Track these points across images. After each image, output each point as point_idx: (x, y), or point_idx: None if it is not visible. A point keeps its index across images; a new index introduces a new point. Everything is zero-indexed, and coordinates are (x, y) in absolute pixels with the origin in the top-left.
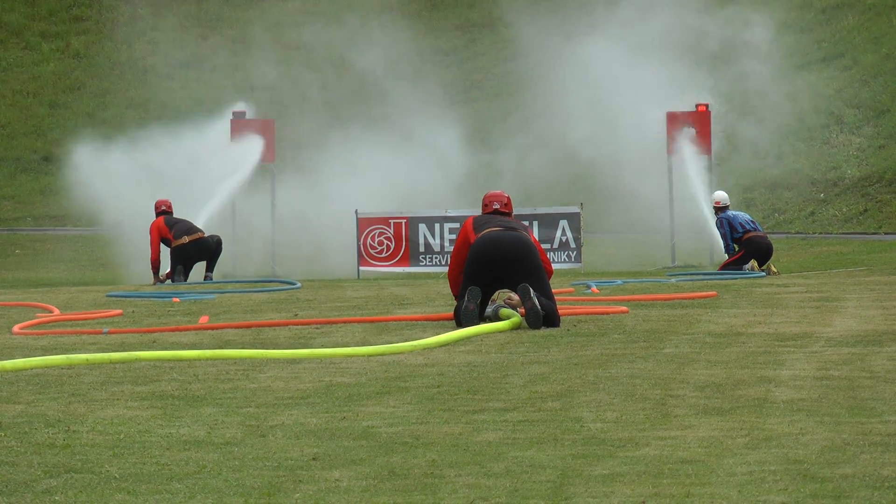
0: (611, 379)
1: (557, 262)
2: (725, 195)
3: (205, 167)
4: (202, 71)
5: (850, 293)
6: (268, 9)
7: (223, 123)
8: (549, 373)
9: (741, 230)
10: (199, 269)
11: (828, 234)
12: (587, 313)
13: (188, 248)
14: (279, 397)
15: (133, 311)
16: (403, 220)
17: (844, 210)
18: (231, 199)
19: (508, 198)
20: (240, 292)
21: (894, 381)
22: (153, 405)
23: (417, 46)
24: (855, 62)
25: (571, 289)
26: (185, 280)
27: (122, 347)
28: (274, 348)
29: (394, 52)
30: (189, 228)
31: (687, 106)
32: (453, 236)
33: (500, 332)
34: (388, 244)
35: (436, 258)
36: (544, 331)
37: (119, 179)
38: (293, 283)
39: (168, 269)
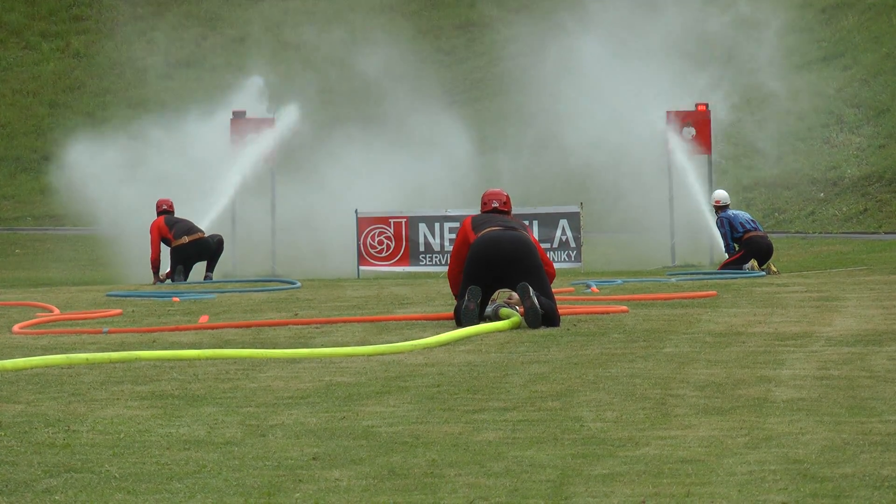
0: (611, 378)
1: (557, 262)
2: (726, 194)
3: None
4: (202, 70)
5: (850, 293)
6: (268, 9)
7: (223, 123)
8: (549, 372)
9: (741, 230)
10: (199, 268)
11: (828, 233)
12: (586, 313)
13: (188, 249)
14: (279, 397)
15: (133, 311)
16: (403, 220)
17: (844, 210)
18: (231, 199)
19: (507, 196)
20: (240, 292)
21: (894, 381)
22: (153, 405)
23: (417, 46)
24: (855, 62)
25: (572, 288)
26: (185, 280)
27: (122, 347)
28: (274, 348)
29: (394, 52)
30: (189, 228)
31: (687, 105)
32: (453, 236)
33: (500, 331)
34: (388, 244)
35: (436, 258)
36: (544, 330)
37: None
38: (293, 283)
39: (168, 269)
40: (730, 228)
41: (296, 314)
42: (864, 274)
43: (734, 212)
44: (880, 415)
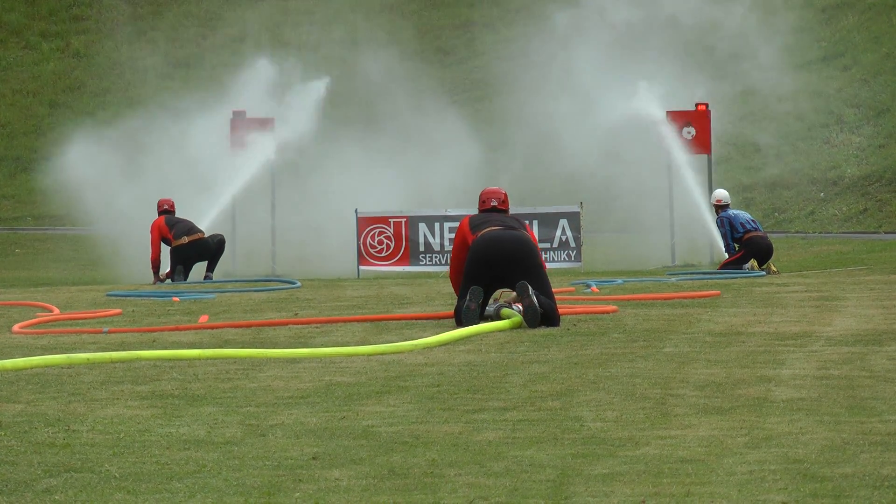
0: (611, 378)
1: (557, 262)
2: (726, 193)
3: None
4: (202, 70)
5: (849, 292)
6: (268, 8)
7: (223, 122)
8: (549, 372)
9: (741, 230)
10: (199, 268)
11: (828, 233)
12: (575, 313)
13: (187, 249)
14: (279, 397)
15: (133, 311)
16: (403, 220)
17: (844, 209)
18: (232, 199)
19: (505, 194)
20: (240, 292)
21: (894, 381)
22: (153, 404)
23: (417, 46)
24: (855, 62)
25: (572, 288)
26: (185, 279)
27: (122, 347)
28: (274, 348)
29: (394, 52)
30: (189, 229)
31: (687, 105)
32: (453, 235)
33: (500, 331)
34: (387, 243)
35: (436, 257)
36: (544, 330)
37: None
38: (293, 283)
39: (168, 269)
40: (730, 228)
41: (296, 314)
42: (864, 274)
43: (734, 212)
44: (880, 415)
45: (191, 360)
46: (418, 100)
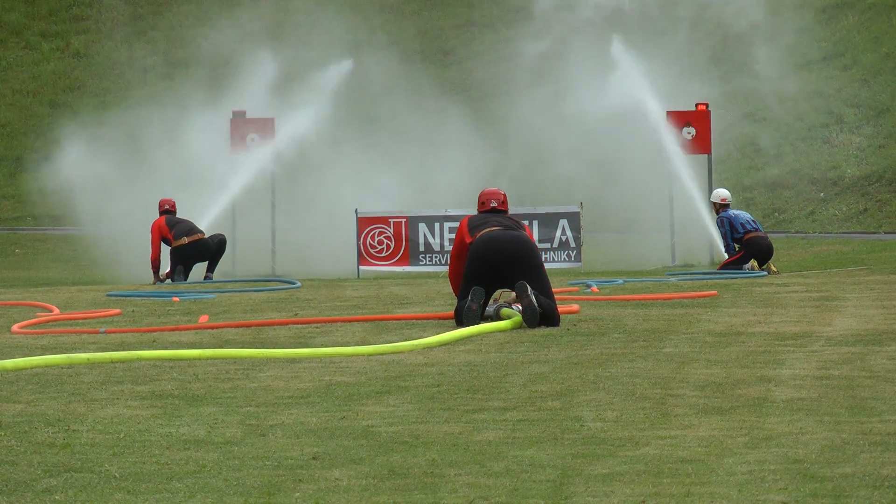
0: (611, 378)
1: (557, 262)
2: (727, 192)
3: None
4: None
5: (850, 293)
6: (268, 9)
7: (223, 122)
8: (549, 372)
9: (742, 230)
10: (199, 268)
11: (828, 233)
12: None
13: (187, 250)
14: (279, 397)
15: (133, 311)
16: (403, 220)
17: (844, 209)
18: (232, 199)
19: (505, 195)
20: (240, 292)
21: (894, 381)
22: (153, 404)
23: (417, 46)
24: (855, 62)
25: (576, 288)
26: (185, 279)
27: (122, 347)
28: (274, 348)
29: (394, 52)
30: (190, 229)
31: (687, 105)
32: (453, 235)
33: (501, 331)
34: (387, 243)
35: (436, 257)
36: (544, 330)
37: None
38: (293, 283)
39: (168, 269)
40: (730, 229)
41: (296, 314)
42: (864, 274)
43: (735, 212)
44: (880, 415)
45: (191, 360)
46: (418, 100)
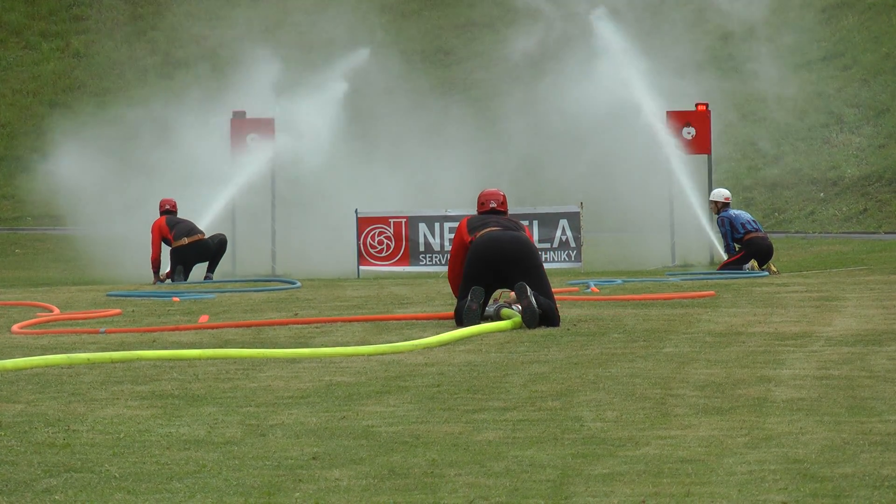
0: (611, 378)
1: (557, 262)
2: (727, 192)
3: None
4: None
5: (849, 293)
6: (268, 8)
7: (223, 122)
8: (549, 372)
9: (742, 231)
10: (200, 268)
11: (828, 233)
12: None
13: (187, 250)
14: (279, 397)
15: (133, 311)
16: (403, 220)
17: (844, 209)
18: (232, 200)
19: (504, 196)
20: (240, 292)
21: (894, 381)
22: (153, 404)
23: (417, 46)
24: (855, 62)
25: (576, 288)
26: (186, 279)
27: (122, 347)
28: (274, 348)
29: (394, 52)
30: (190, 230)
31: (687, 105)
32: (453, 235)
33: (501, 331)
34: (387, 243)
35: (436, 257)
36: (544, 330)
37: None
38: (293, 283)
39: (168, 269)
40: (730, 229)
41: (296, 314)
42: (864, 274)
43: (736, 212)
44: (880, 415)
45: (191, 360)
46: (418, 100)
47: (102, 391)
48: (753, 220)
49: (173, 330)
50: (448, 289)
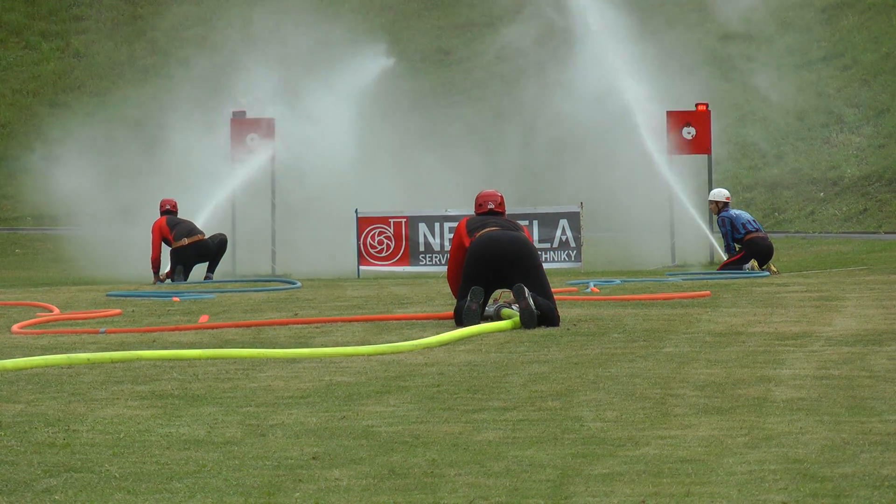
0: (611, 378)
1: (557, 262)
2: (727, 192)
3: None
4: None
5: (849, 292)
6: (268, 8)
7: (223, 123)
8: (549, 372)
9: (742, 231)
10: (200, 268)
11: (828, 233)
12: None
13: (187, 251)
14: (279, 396)
15: (133, 311)
16: (403, 220)
17: (844, 209)
18: (231, 199)
19: (502, 197)
20: (240, 291)
21: (894, 381)
22: (153, 404)
23: (417, 46)
24: (855, 62)
25: (575, 288)
26: (186, 280)
27: (122, 347)
28: (274, 348)
29: (394, 52)
30: (190, 230)
31: (687, 105)
32: (453, 235)
33: (501, 331)
34: (388, 243)
35: (436, 257)
36: (544, 330)
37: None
38: (293, 283)
39: (168, 269)
40: (731, 229)
41: (296, 314)
42: (864, 274)
43: (736, 212)
44: (880, 415)
45: (191, 360)
46: (418, 100)
47: (102, 391)
48: (754, 220)
49: (173, 330)
50: (448, 289)
